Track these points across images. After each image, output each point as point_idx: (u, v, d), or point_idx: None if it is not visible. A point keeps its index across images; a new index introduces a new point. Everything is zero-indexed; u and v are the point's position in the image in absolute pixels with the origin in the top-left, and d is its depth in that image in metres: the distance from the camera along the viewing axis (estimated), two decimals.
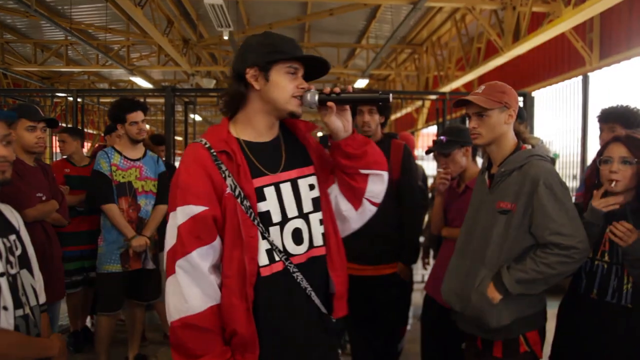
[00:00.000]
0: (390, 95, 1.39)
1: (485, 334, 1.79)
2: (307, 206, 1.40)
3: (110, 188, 2.95)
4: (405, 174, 2.66)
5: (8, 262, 1.39)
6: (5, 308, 1.32)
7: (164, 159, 4.08)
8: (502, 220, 1.73)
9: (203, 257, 1.26)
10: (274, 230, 1.33)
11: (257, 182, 1.33)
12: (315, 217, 1.41)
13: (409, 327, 4.00)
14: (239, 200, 1.29)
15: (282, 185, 1.37)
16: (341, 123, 1.39)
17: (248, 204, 1.29)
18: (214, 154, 1.31)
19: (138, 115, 3.02)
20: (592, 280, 1.81)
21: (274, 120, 1.41)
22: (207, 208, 1.27)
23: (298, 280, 1.33)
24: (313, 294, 1.36)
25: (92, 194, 3.06)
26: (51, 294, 2.66)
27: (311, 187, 1.42)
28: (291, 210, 1.37)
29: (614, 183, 1.73)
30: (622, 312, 1.73)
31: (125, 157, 3.04)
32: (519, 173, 1.71)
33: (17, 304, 1.38)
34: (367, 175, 1.44)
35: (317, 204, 1.42)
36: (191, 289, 1.25)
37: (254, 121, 1.38)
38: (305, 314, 1.36)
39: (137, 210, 3.02)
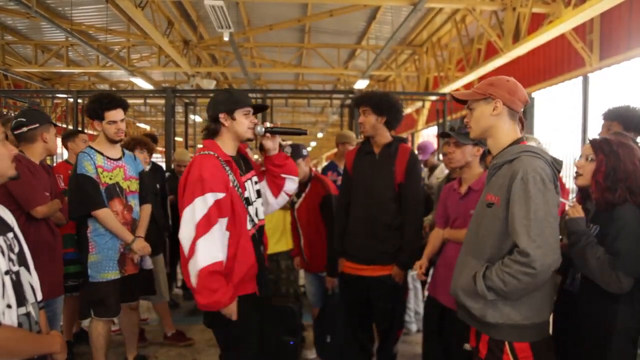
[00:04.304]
0: (307, 130, 2.28)
1: (478, 325, 1.74)
2: (255, 195, 2.24)
3: (99, 192, 2.71)
4: (408, 179, 2.67)
5: (10, 259, 1.40)
6: (9, 306, 1.33)
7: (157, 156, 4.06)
8: (488, 213, 1.70)
9: (222, 225, 1.99)
10: (251, 208, 2.17)
11: (242, 179, 2.15)
12: (259, 202, 2.27)
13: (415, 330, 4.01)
14: (237, 189, 2.07)
15: (248, 181, 2.20)
16: (272, 144, 2.23)
17: (240, 191, 2.09)
18: (222, 161, 2.06)
19: (117, 114, 2.76)
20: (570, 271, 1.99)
21: (237, 143, 2.19)
22: (225, 194, 1.99)
23: (257, 238, 2.19)
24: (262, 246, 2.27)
25: (78, 200, 2.70)
26: (53, 290, 2.70)
27: (255, 182, 2.27)
28: (254, 196, 2.23)
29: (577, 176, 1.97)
30: (573, 299, 1.90)
31: (107, 157, 2.80)
32: (508, 167, 1.66)
33: (20, 302, 1.39)
34: (284, 177, 2.31)
35: (259, 193, 2.29)
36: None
37: (227, 144, 2.14)
38: (260, 257, 2.20)
39: (130, 211, 2.87)
